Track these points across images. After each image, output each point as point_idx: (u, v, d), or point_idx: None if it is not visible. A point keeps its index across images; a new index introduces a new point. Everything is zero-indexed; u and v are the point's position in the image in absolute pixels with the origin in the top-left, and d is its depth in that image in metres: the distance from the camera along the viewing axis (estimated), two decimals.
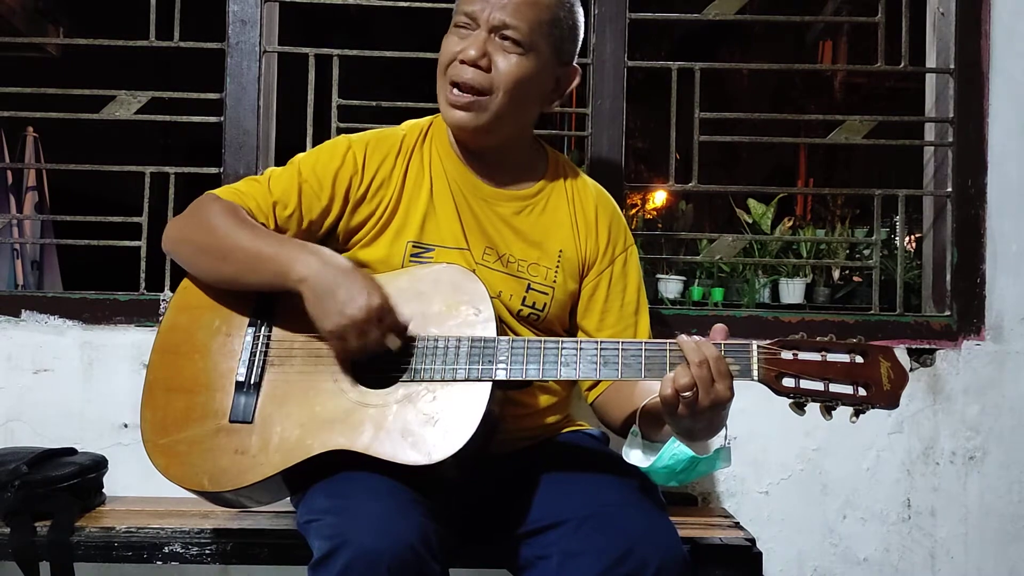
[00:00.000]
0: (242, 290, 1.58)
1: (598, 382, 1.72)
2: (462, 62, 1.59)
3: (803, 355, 1.38)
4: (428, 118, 1.77)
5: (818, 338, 1.40)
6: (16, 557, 1.74)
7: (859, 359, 1.38)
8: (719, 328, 1.43)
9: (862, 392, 1.37)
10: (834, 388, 1.37)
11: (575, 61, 1.71)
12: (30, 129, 4.85)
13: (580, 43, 1.71)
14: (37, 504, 1.79)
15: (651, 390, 1.55)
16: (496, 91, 1.60)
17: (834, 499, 2.27)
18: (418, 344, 1.50)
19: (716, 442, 1.46)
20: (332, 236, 1.68)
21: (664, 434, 1.48)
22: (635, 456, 1.51)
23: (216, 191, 1.66)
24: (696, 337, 1.41)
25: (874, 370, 1.37)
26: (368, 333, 1.46)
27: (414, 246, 1.64)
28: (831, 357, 1.38)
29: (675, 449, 1.45)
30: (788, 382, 1.38)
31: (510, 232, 1.70)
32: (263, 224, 1.61)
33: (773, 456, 2.26)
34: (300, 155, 1.71)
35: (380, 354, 1.49)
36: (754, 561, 1.77)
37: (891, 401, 1.37)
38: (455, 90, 1.61)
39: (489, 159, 1.71)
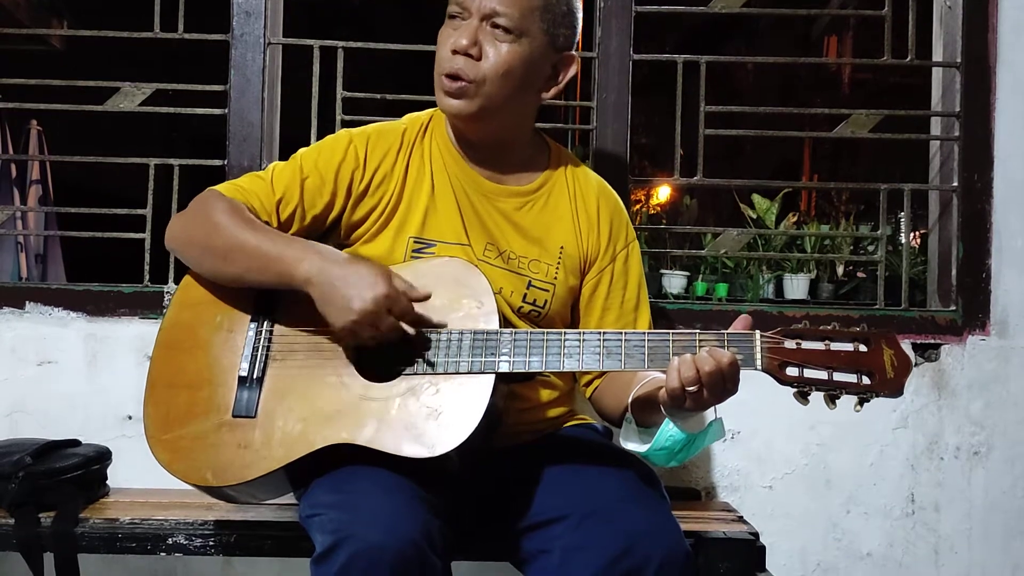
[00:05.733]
0: (245, 287, 1.58)
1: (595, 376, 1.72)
2: (454, 51, 1.59)
3: (806, 344, 1.38)
4: (428, 111, 1.76)
5: (821, 327, 1.40)
6: (21, 548, 1.75)
7: (862, 347, 1.37)
8: (743, 318, 1.43)
9: (866, 380, 1.37)
10: (838, 377, 1.37)
11: (573, 49, 1.69)
12: (34, 122, 4.84)
13: (578, 30, 1.69)
14: (41, 495, 1.80)
15: (644, 376, 1.55)
16: (485, 79, 1.58)
17: (838, 494, 2.26)
18: (421, 337, 1.50)
19: (708, 416, 1.46)
20: (335, 231, 1.68)
21: (658, 418, 1.48)
22: (632, 443, 1.51)
23: (218, 187, 1.65)
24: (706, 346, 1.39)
25: (877, 358, 1.37)
26: (379, 324, 1.46)
27: (415, 242, 1.64)
28: (834, 346, 1.38)
29: (670, 430, 1.45)
30: (792, 371, 1.37)
31: (511, 228, 1.69)
32: (266, 222, 1.61)
33: (777, 451, 2.26)
34: (302, 150, 1.71)
35: (395, 343, 1.48)
36: (757, 555, 1.76)
37: (895, 388, 1.37)
38: (447, 79, 1.60)
39: (489, 152, 1.70)
